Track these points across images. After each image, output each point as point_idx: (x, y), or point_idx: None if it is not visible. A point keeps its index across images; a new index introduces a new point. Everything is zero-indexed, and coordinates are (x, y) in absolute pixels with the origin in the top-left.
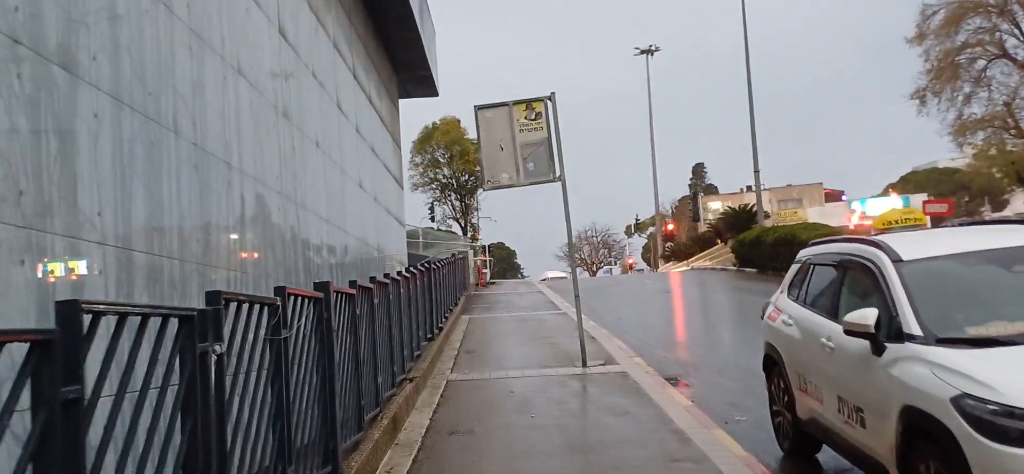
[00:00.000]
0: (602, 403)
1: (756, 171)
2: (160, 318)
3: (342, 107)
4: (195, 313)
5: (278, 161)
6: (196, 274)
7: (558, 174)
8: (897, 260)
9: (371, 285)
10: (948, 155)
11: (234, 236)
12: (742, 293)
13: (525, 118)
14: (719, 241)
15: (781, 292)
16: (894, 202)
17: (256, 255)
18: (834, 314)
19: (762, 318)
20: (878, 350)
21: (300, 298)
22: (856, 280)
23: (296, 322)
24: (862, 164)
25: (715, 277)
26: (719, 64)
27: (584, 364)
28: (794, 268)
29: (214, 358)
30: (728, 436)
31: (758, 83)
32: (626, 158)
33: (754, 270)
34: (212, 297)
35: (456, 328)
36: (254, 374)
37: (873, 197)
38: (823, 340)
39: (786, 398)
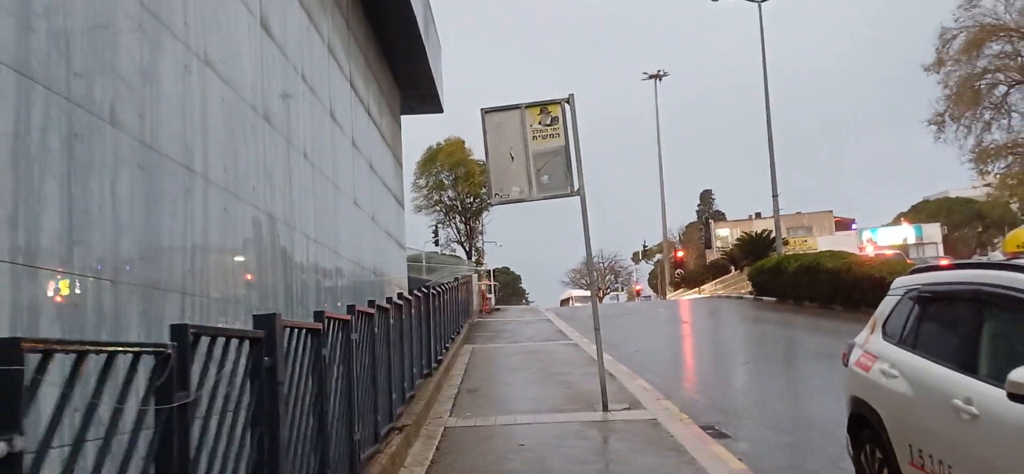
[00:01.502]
0: (634, 465)
1: (775, 195)
2: None
3: (336, 117)
4: None
5: (256, 170)
6: (137, 300)
7: (577, 188)
8: None
9: (348, 317)
10: (959, 184)
11: (194, 255)
12: (765, 325)
13: (539, 123)
14: (733, 268)
15: (872, 333)
16: (906, 231)
17: (224, 278)
18: (971, 367)
19: (845, 365)
20: None
21: (224, 341)
22: (1007, 321)
23: (214, 375)
24: (871, 193)
25: (731, 306)
26: (725, 91)
27: (605, 408)
28: (890, 301)
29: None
30: None
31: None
32: (632, 184)
33: (773, 299)
34: (5, 351)
35: (457, 360)
36: (113, 467)
37: (883, 226)
38: (958, 402)
39: (886, 473)
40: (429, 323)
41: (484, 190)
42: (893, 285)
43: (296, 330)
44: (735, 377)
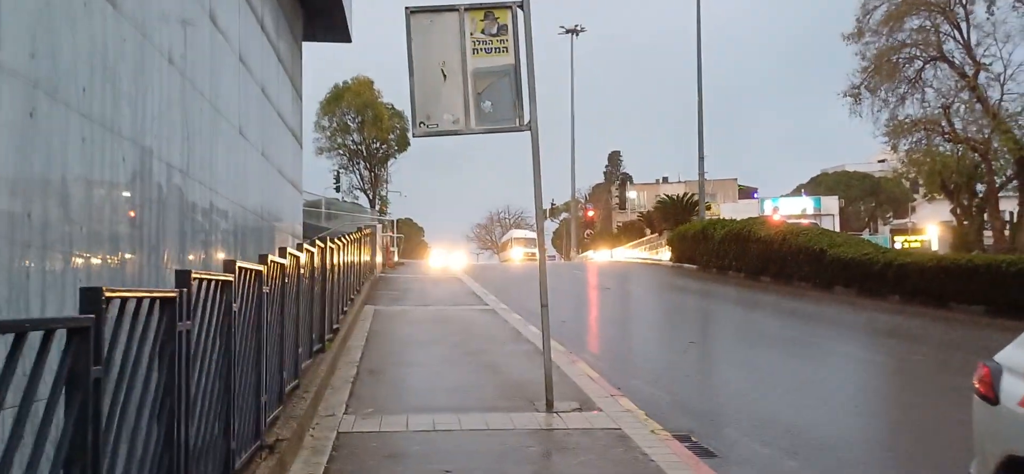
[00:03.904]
0: None
1: (701, 158)
2: None
3: (219, 23)
4: None
5: (90, 65)
6: None
7: (527, 120)
8: None
9: (172, 292)
10: (858, 159)
11: None
12: (695, 297)
13: (483, 32)
14: (649, 231)
15: None
16: (805, 202)
17: (27, 216)
18: None
19: (989, 399)
20: None
21: None
22: None
23: None
24: (772, 163)
25: (651, 274)
26: (633, 51)
27: (549, 407)
28: None
29: None
30: None
31: (674, 76)
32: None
33: (693, 267)
34: None
35: (357, 326)
36: None
37: (784, 196)
38: None
39: None
40: (325, 284)
41: (392, 136)
42: None
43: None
44: (688, 363)
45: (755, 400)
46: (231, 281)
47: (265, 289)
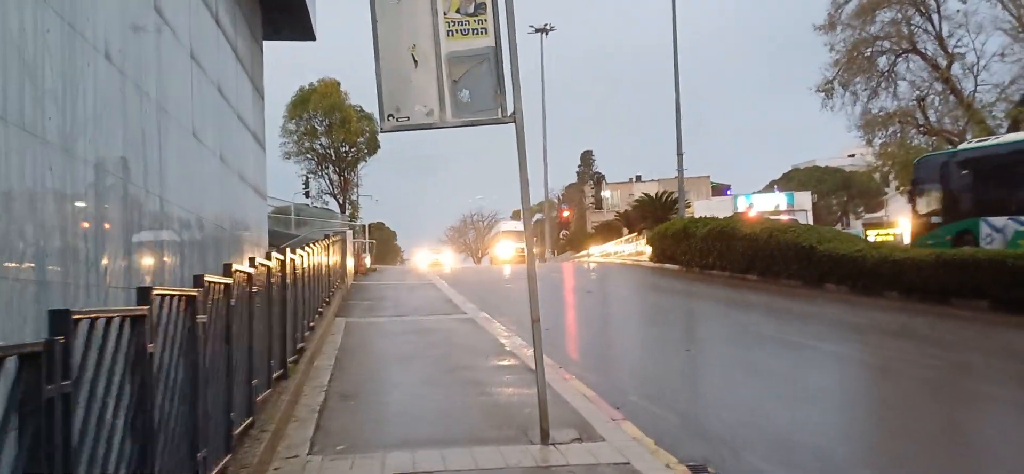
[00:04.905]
0: None
1: (680, 154)
2: None
3: (165, 16)
4: None
5: (4, 59)
6: None
7: (511, 110)
8: None
9: (37, 345)
10: (828, 153)
11: None
12: (682, 298)
13: (458, 12)
14: (627, 230)
15: None
16: (778, 198)
17: None
18: None
19: None
20: None
21: None
22: None
23: None
24: (743, 160)
25: (633, 275)
26: (605, 50)
27: (545, 438)
28: None
29: None
30: None
31: (643, 74)
32: (508, 142)
33: (676, 267)
34: None
35: (327, 342)
36: None
37: (757, 192)
38: None
39: None
40: (286, 301)
41: (362, 139)
42: None
43: None
44: (688, 373)
45: (770, 416)
46: (145, 315)
47: (201, 318)
